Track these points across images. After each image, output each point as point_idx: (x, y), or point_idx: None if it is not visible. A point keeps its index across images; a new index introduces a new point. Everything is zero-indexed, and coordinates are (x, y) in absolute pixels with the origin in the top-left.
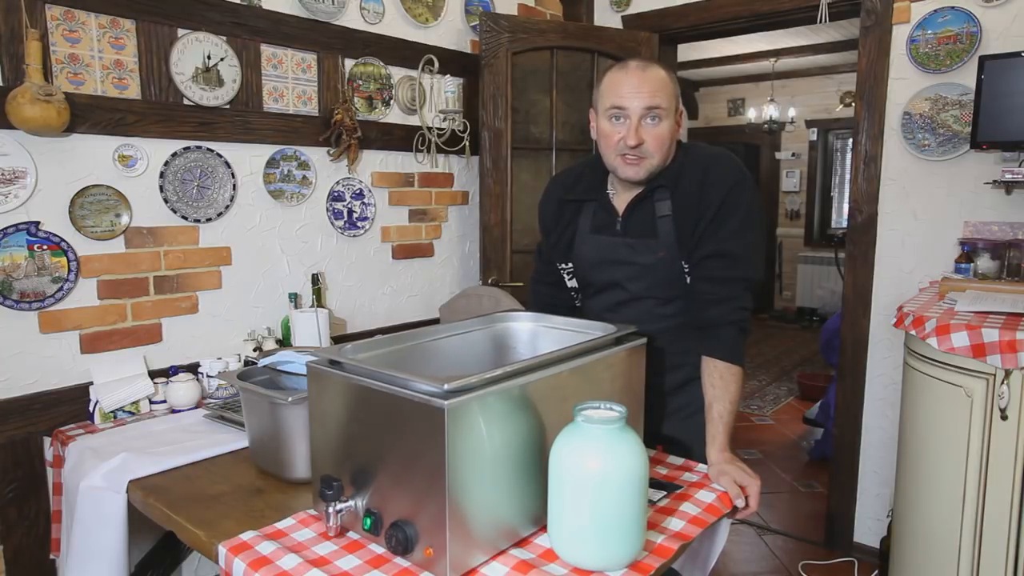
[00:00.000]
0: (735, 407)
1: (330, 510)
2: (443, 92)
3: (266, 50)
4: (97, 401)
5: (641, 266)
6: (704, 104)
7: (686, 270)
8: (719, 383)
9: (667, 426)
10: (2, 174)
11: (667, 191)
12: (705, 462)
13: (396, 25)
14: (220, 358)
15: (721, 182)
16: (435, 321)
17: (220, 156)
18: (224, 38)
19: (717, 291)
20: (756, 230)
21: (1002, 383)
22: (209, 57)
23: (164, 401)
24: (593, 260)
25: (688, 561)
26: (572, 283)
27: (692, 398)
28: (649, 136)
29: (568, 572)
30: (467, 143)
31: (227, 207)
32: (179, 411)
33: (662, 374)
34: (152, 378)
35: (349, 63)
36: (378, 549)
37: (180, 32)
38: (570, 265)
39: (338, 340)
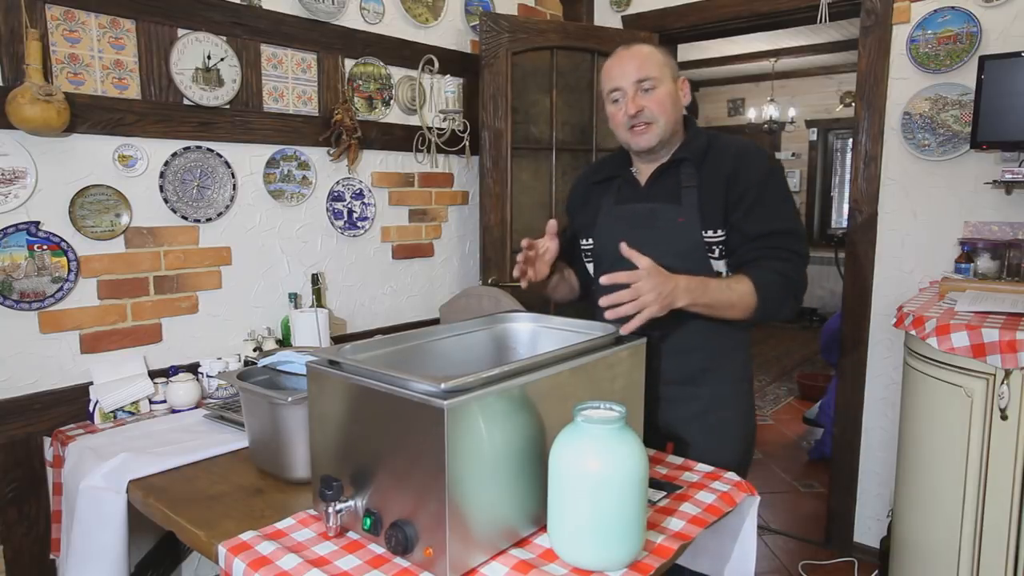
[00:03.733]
0: (721, 301)
1: (330, 510)
2: (443, 92)
3: (266, 50)
4: (97, 401)
5: (659, 231)
6: (704, 104)
7: (706, 238)
8: (731, 281)
9: (677, 421)
10: (2, 174)
11: (692, 165)
12: (715, 464)
13: (396, 25)
14: (220, 358)
15: (759, 165)
16: (435, 321)
17: (220, 156)
18: (224, 38)
19: (774, 262)
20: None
21: (1002, 383)
22: (209, 57)
23: (164, 401)
24: (613, 228)
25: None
26: (590, 266)
27: (704, 393)
28: (648, 101)
29: (568, 572)
30: (467, 143)
31: (227, 207)
32: (179, 411)
33: (672, 357)
34: (152, 378)
35: (349, 63)
36: (378, 549)
37: (180, 32)
38: (591, 242)
39: (338, 340)
